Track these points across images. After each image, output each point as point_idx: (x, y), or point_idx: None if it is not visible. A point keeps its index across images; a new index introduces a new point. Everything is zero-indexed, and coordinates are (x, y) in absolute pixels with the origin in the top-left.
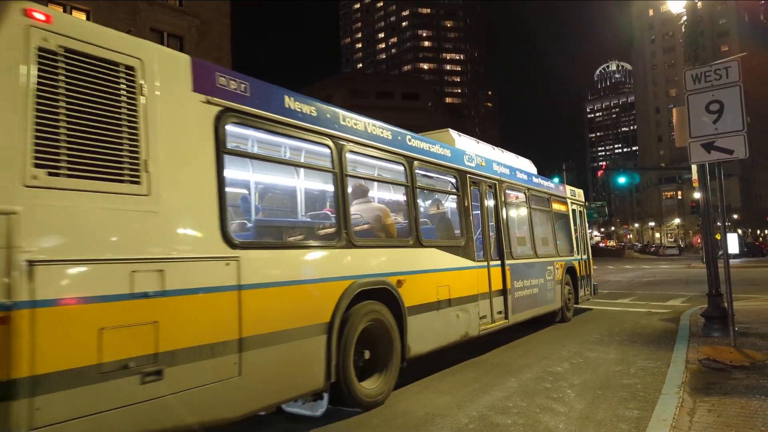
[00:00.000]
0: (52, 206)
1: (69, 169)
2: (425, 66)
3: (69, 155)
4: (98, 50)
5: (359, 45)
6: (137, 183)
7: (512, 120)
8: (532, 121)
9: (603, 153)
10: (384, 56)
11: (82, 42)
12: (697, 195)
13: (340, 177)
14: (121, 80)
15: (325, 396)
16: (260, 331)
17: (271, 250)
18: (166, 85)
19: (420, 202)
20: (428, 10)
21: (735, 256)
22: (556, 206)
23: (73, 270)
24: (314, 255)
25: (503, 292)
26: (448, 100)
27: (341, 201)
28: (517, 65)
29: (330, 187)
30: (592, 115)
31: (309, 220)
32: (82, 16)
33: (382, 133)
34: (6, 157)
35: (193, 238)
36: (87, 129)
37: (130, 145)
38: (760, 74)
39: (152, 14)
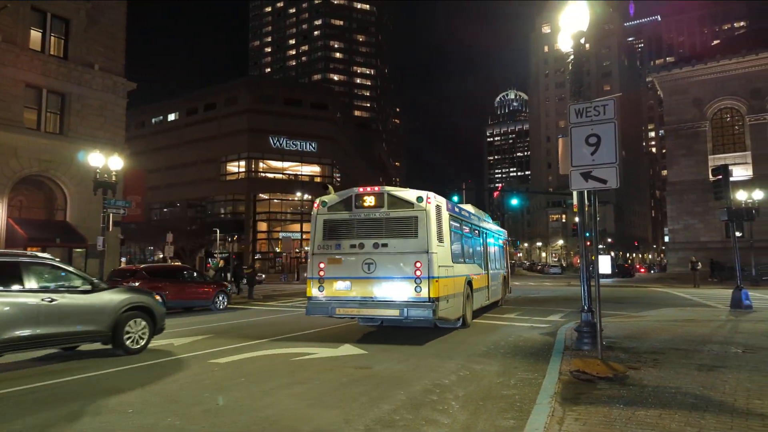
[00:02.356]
0: (437, 252)
1: (437, 238)
2: (335, 77)
3: (437, 233)
4: (440, 203)
5: (269, 49)
6: (443, 242)
7: (418, 137)
8: (437, 140)
9: (500, 175)
10: (294, 63)
11: (437, 202)
12: (577, 219)
13: (461, 233)
14: (441, 210)
15: (461, 319)
16: (453, 291)
17: (457, 264)
18: (443, 210)
19: (471, 241)
20: (341, 22)
21: (607, 276)
22: (500, 241)
23: (442, 268)
24: (462, 266)
25: (487, 287)
26: (356, 112)
27: (463, 242)
28: (424, 85)
29: (460, 237)
30: (491, 139)
31: (459, 251)
32: None
33: (462, 212)
34: (434, 237)
35: (448, 258)
36: (439, 226)
37: (443, 230)
38: (635, 112)
39: None
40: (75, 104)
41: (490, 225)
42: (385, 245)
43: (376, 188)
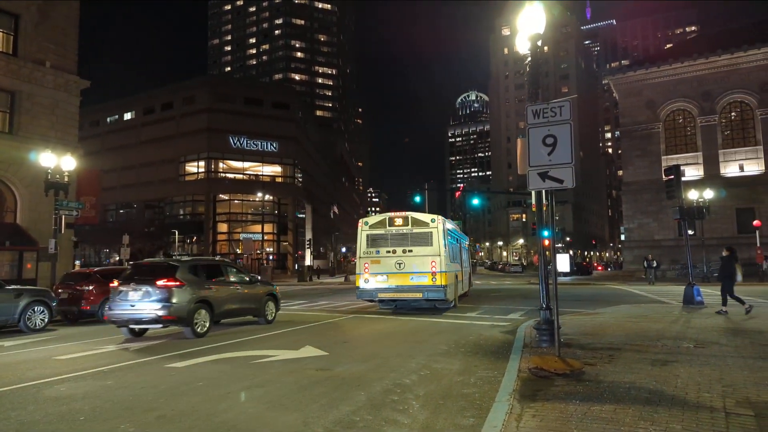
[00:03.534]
0: (444, 255)
1: (443, 245)
2: (297, 77)
3: (444, 243)
4: (444, 222)
5: (228, 48)
6: (446, 248)
7: (380, 138)
8: (399, 141)
9: (461, 175)
10: (254, 62)
11: (443, 222)
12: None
13: (451, 242)
14: (444, 227)
15: (454, 300)
16: (451, 281)
17: (451, 263)
18: (445, 227)
19: (455, 247)
20: (302, 22)
21: (566, 275)
22: (466, 245)
23: (446, 266)
24: (453, 264)
25: (463, 280)
26: (318, 112)
27: (452, 248)
28: (387, 86)
29: (451, 244)
30: (453, 140)
31: (451, 254)
32: None
33: (451, 227)
34: (442, 245)
35: (448, 259)
36: (444, 237)
37: (446, 240)
38: (591, 114)
39: None
40: (25, 102)
41: (461, 233)
42: (410, 251)
43: (404, 213)
